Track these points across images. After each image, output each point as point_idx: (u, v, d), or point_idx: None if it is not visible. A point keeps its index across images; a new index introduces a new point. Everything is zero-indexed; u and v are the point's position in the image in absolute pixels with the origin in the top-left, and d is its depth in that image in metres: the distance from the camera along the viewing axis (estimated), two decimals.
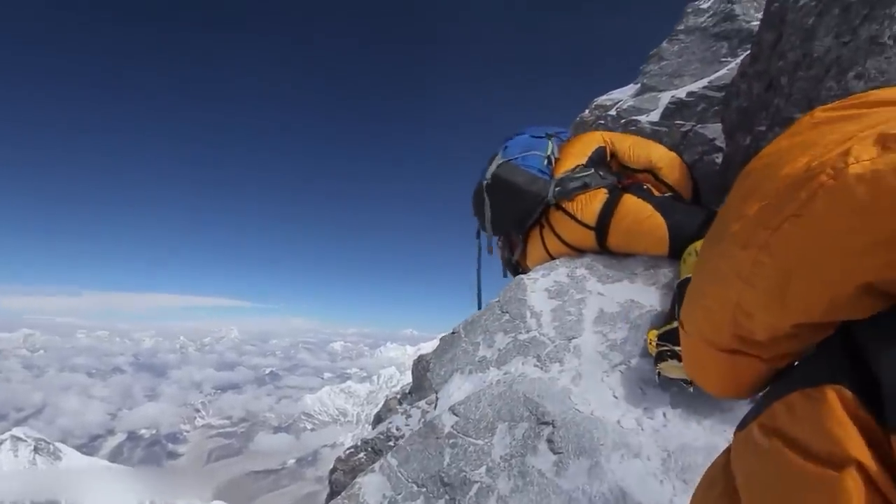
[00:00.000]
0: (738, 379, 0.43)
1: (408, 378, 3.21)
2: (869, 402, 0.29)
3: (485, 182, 2.37)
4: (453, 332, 2.20)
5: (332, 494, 2.20)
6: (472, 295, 2.58)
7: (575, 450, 1.43)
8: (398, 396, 3.56)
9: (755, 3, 4.91)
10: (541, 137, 2.37)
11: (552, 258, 2.33)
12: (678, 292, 1.71)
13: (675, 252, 1.90)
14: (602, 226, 2.11)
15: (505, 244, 2.62)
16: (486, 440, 1.58)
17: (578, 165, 2.22)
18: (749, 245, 0.37)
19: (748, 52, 2.61)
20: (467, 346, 2.06)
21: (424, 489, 1.52)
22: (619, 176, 2.26)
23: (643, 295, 1.94)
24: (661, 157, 2.28)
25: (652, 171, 2.26)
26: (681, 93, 4.80)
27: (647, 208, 1.99)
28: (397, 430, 2.07)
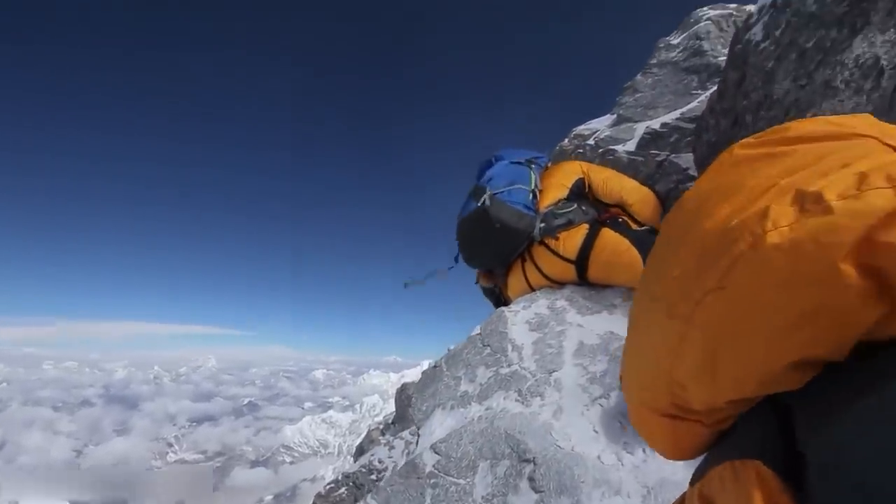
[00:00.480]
0: (680, 443, 0.41)
1: (391, 406, 3.14)
2: (792, 478, 0.28)
3: (470, 216, 2.37)
4: (435, 366, 2.18)
5: None
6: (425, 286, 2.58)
7: (556, 488, 1.41)
8: (381, 427, 3.48)
9: (722, 40, 5.18)
10: (521, 164, 2.41)
11: (533, 290, 2.35)
12: None
13: None
14: (582, 259, 2.16)
15: (486, 274, 2.63)
16: (468, 479, 1.54)
17: (561, 199, 2.28)
18: (674, 316, 0.35)
19: (716, 86, 2.74)
20: (449, 380, 2.04)
21: None
22: (598, 210, 2.32)
23: (622, 326, 1.96)
24: (632, 193, 2.36)
25: (623, 207, 2.33)
26: (655, 124, 4.99)
27: (623, 242, 2.05)
28: (380, 462, 2.02)
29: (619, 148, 4.86)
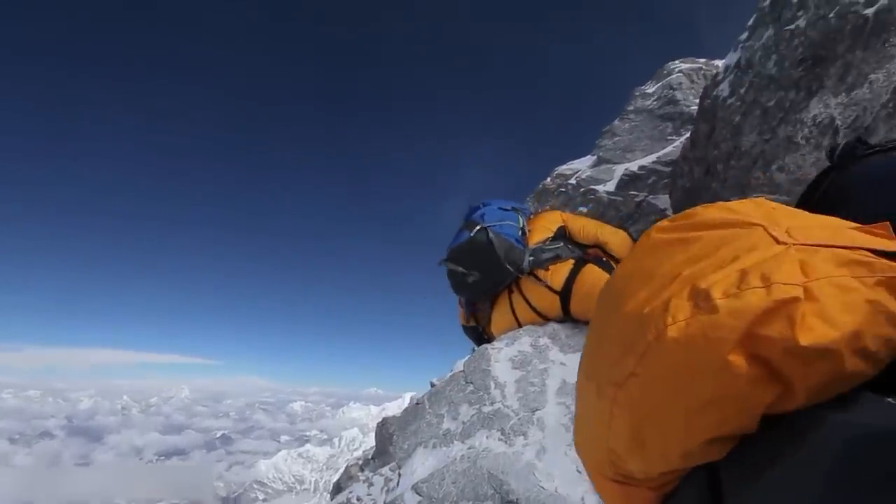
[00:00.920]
0: None
1: (371, 440, 3.09)
2: None
3: (462, 245, 2.43)
4: (417, 403, 2.19)
5: None
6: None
7: None
8: (360, 462, 3.40)
9: (693, 91, 5.51)
10: (508, 210, 2.51)
11: (518, 324, 2.39)
12: None
13: None
14: (566, 291, 2.23)
15: (468, 310, 2.66)
16: None
17: (547, 238, 2.37)
18: (602, 396, 0.37)
19: (689, 134, 2.91)
20: (431, 417, 2.04)
21: None
22: (582, 249, 2.41)
23: None
24: (609, 235, 2.48)
25: (600, 247, 2.44)
26: (633, 166, 5.23)
27: (605, 277, 2.13)
28: (358, 500, 1.99)
29: (600, 188, 5.05)
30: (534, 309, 2.34)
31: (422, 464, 1.86)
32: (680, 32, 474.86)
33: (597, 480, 0.44)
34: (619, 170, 5.33)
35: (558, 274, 2.28)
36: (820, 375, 0.31)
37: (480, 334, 2.64)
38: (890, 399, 0.30)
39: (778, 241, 0.35)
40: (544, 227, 2.47)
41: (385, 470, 2.11)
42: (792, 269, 0.32)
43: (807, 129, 1.91)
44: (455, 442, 1.88)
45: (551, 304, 2.29)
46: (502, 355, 2.18)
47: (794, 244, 0.34)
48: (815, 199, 0.62)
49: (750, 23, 2.43)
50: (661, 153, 5.19)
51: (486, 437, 1.83)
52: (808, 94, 1.92)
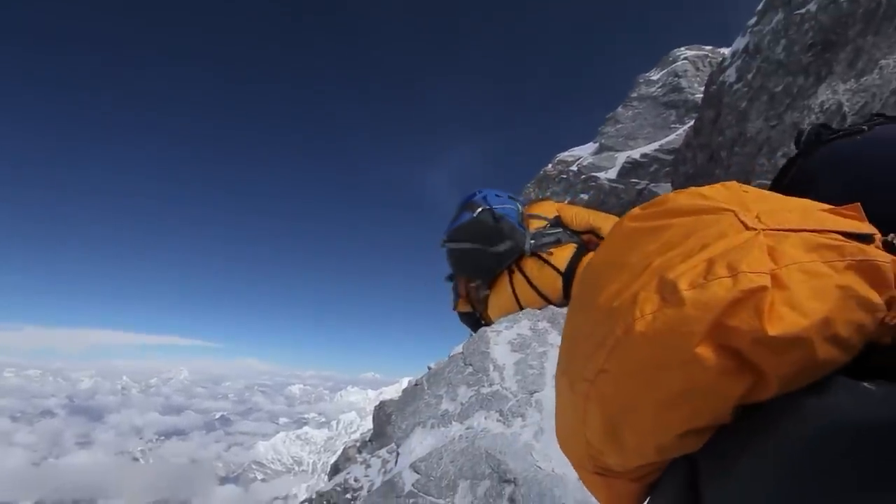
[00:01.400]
0: (617, 496, 0.42)
1: (369, 424, 3.12)
2: None
3: (463, 225, 2.43)
4: (416, 384, 2.20)
5: None
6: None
7: None
8: (357, 444, 3.44)
9: (698, 78, 5.45)
10: (504, 197, 2.52)
11: (519, 306, 2.40)
12: None
13: None
14: (570, 271, 2.24)
15: (465, 294, 2.66)
16: (448, 499, 1.56)
17: (547, 223, 2.38)
18: (575, 391, 0.37)
19: (693, 121, 2.88)
20: (430, 398, 2.06)
21: None
22: (578, 236, 2.42)
23: None
24: (601, 221, 2.48)
25: (594, 232, 2.45)
26: (635, 154, 5.20)
27: None
28: (356, 481, 2.01)
29: (601, 175, 5.03)
30: (536, 289, 2.35)
31: (420, 443, 1.87)
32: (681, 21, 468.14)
33: (580, 473, 0.44)
34: (621, 157, 5.31)
35: (562, 255, 2.31)
36: (791, 364, 0.30)
37: (478, 320, 2.65)
38: (865, 384, 0.29)
39: (747, 227, 0.34)
40: (541, 216, 2.48)
41: (382, 452, 2.13)
42: (760, 257, 0.32)
43: (814, 116, 1.89)
44: (453, 422, 1.89)
45: (554, 284, 2.30)
46: (501, 338, 2.19)
47: (764, 230, 0.34)
48: (784, 185, 0.62)
49: (759, 7, 2.38)
50: (663, 141, 5.17)
51: (485, 418, 1.85)
52: (817, 79, 1.90)
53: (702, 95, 3.93)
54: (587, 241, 2.45)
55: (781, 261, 0.31)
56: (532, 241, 2.34)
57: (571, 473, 1.55)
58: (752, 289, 0.30)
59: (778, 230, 0.34)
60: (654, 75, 5.39)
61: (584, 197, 5.28)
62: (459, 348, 2.27)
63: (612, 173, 4.91)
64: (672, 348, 0.31)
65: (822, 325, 0.30)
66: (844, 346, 0.30)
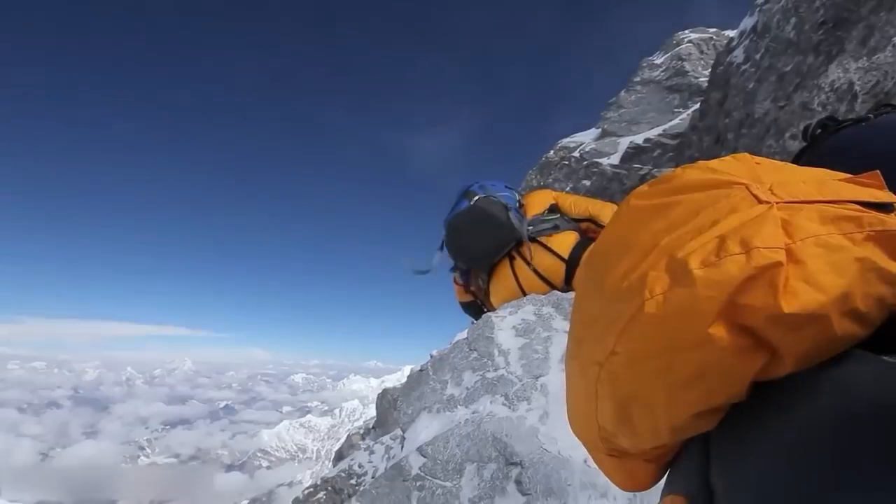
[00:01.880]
0: (633, 476, 0.42)
1: (372, 412, 3.14)
2: None
3: (462, 212, 2.44)
4: (421, 370, 2.20)
5: None
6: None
7: (543, 490, 1.44)
8: (361, 431, 3.47)
9: (702, 62, 5.37)
10: (498, 186, 2.53)
11: (522, 292, 2.40)
12: None
13: None
14: (572, 260, 2.24)
15: (465, 282, 2.66)
16: (455, 482, 1.56)
17: (545, 211, 2.37)
18: (586, 375, 0.36)
19: (698, 105, 2.85)
20: (435, 383, 2.06)
21: None
22: (576, 224, 2.43)
23: None
24: (599, 208, 2.48)
25: (592, 220, 2.44)
26: (638, 139, 5.14)
27: None
28: (360, 467, 2.02)
29: (604, 161, 4.98)
30: (538, 274, 2.35)
31: (426, 427, 1.88)
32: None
33: (594, 455, 0.43)
34: (624, 142, 5.25)
35: (563, 243, 2.30)
36: (808, 341, 0.29)
37: (480, 308, 2.65)
38: (886, 358, 0.28)
39: (760, 201, 0.33)
40: (537, 204, 2.50)
41: (386, 438, 2.14)
42: (774, 231, 0.30)
43: (824, 95, 1.86)
44: (459, 407, 1.90)
45: (556, 270, 2.30)
46: (506, 323, 2.19)
47: (777, 202, 0.32)
48: None
49: None
50: (667, 126, 5.11)
51: (490, 403, 1.85)
52: (828, 58, 1.86)
53: (706, 79, 3.88)
54: (585, 228, 2.45)
55: (796, 235, 0.30)
56: (530, 228, 2.34)
57: (577, 455, 1.56)
58: (766, 265, 0.29)
59: (792, 202, 0.32)
60: (658, 59, 5.31)
61: (587, 183, 5.24)
62: (464, 334, 2.27)
63: (614, 159, 4.87)
64: (684, 329, 0.30)
65: (840, 301, 0.29)
66: (864, 321, 0.29)
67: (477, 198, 2.42)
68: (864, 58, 1.74)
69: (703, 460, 0.32)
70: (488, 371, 1.99)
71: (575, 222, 2.45)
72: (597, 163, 5.33)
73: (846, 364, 0.29)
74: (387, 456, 2.05)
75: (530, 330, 2.13)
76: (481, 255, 2.51)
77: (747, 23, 2.38)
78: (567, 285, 2.31)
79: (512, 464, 1.54)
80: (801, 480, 0.26)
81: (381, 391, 2.96)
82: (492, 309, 2.50)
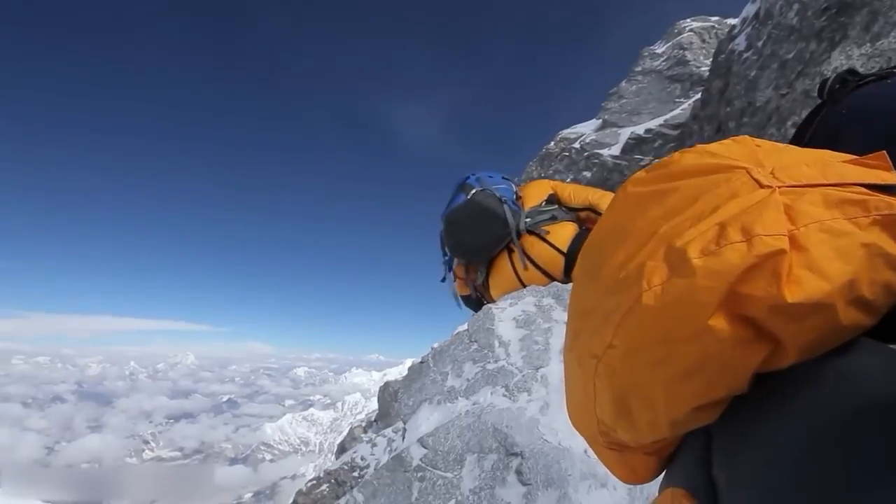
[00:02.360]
0: (632, 470, 0.41)
1: (374, 405, 3.15)
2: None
3: (460, 206, 2.43)
4: (422, 362, 2.20)
5: None
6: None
7: (544, 481, 1.44)
8: (363, 424, 3.48)
9: (704, 51, 5.33)
10: (494, 178, 2.52)
11: (522, 284, 2.39)
12: None
13: None
14: (571, 253, 2.22)
15: (464, 277, 2.65)
16: (456, 473, 1.57)
17: (542, 202, 2.36)
18: (584, 367, 0.35)
19: (699, 94, 2.82)
20: (436, 375, 2.06)
21: None
22: (575, 214, 2.42)
23: None
24: (598, 198, 2.46)
25: (592, 209, 2.43)
26: (639, 129, 5.11)
27: None
28: (362, 459, 2.03)
29: (605, 152, 4.96)
30: (538, 266, 2.34)
31: (427, 419, 1.88)
32: None
33: (594, 448, 0.42)
34: (625, 133, 5.23)
35: (562, 233, 2.29)
36: (813, 331, 0.28)
37: (480, 301, 2.65)
38: (894, 346, 0.27)
39: (761, 185, 0.31)
40: (535, 195, 2.48)
41: (388, 431, 2.15)
42: (776, 217, 0.29)
43: None
44: (460, 398, 1.90)
45: (555, 262, 2.29)
46: (506, 315, 2.18)
47: (780, 187, 0.31)
48: (805, 140, 0.57)
49: None
50: (668, 116, 5.09)
51: (491, 394, 1.85)
52: (831, 44, 1.84)
53: (708, 68, 3.85)
54: (584, 218, 2.44)
55: (800, 220, 0.29)
56: (528, 220, 2.33)
57: (577, 446, 1.56)
58: (768, 253, 0.27)
59: (795, 186, 0.31)
60: (659, 48, 5.27)
61: (587, 174, 5.22)
62: (465, 326, 2.27)
63: (615, 150, 4.85)
64: (683, 321, 0.29)
65: (845, 288, 0.27)
66: (870, 309, 0.28)
67: (473, 191, 2.41)
68: (868, 44, 1.72)
69: (705, 453, 0.32)
70: (489, 362, 1.99)
71: (573, 212, 2.43)
72: (597, 154, 5.31)
73: (852, 354, 0.28)
74: (389, 448, 2.06)
75: (531, 321, 2.13)
76: (479, 249, 2.50)
77: (750, 10, 2.36)
78: (567, 277, 2.31)
79: (512, 454, 1.54)
80: (805, 473, 0.25)
81: (382, 384, 2.97)
82: (491, 302, 2.49)
